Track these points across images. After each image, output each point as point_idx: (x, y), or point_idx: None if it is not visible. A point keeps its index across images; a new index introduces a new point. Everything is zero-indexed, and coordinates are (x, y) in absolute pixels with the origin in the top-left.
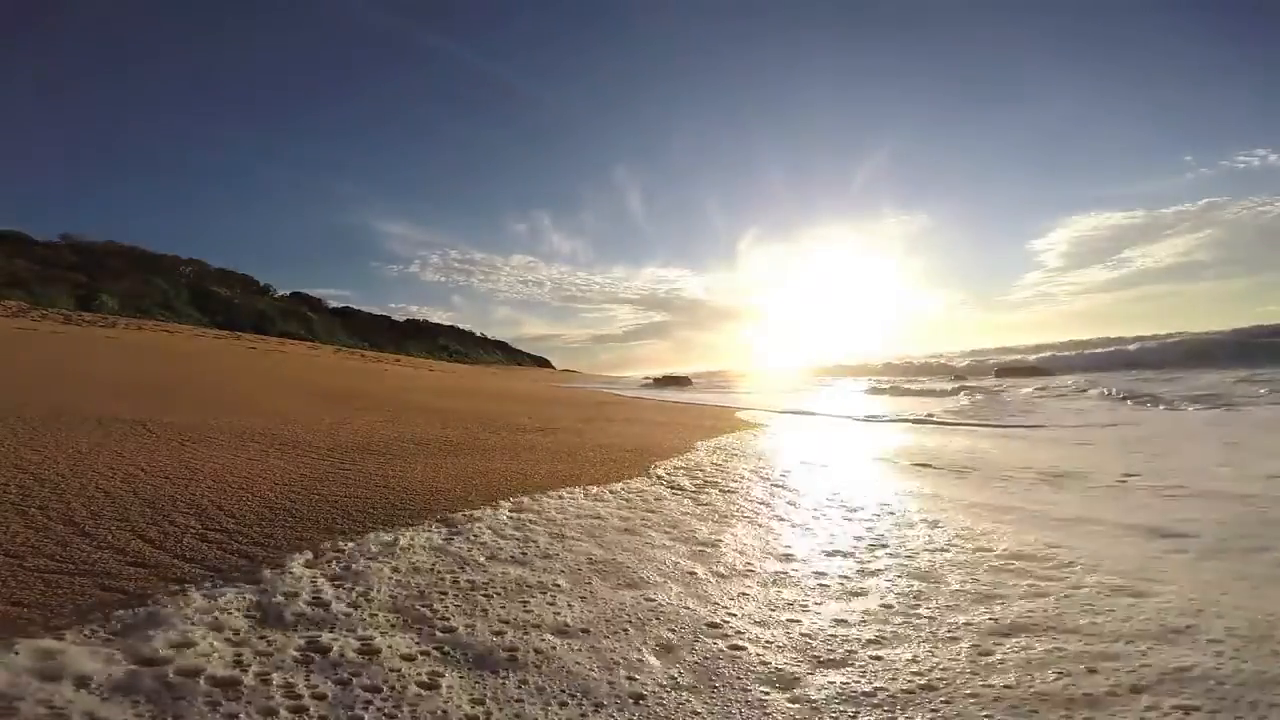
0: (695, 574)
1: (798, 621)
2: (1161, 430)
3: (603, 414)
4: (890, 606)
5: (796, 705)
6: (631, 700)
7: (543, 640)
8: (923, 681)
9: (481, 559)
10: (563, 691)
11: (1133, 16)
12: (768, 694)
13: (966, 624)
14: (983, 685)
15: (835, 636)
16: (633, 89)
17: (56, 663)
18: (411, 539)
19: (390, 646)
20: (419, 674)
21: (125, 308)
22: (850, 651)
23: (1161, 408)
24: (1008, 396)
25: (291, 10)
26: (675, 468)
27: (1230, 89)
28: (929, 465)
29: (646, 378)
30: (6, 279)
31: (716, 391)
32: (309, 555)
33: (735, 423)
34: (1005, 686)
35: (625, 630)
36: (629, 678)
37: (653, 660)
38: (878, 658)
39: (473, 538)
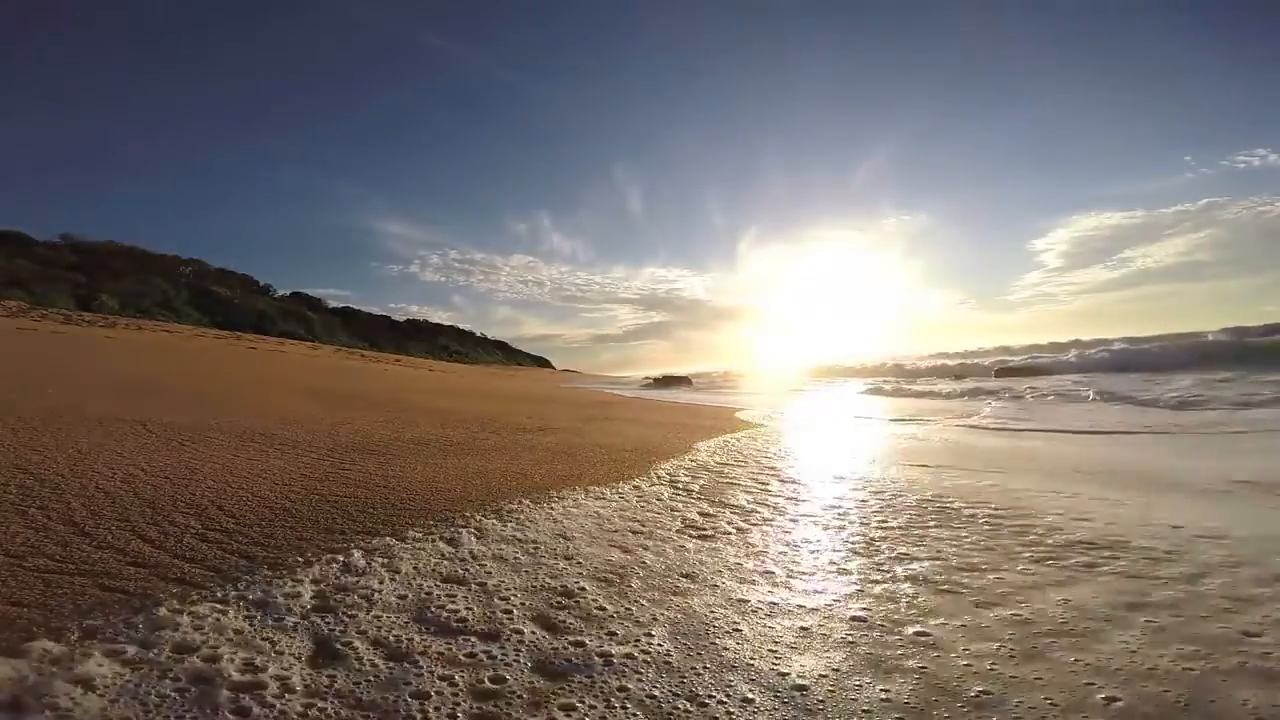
0: (695, 572)
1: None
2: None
3: (603, 414)
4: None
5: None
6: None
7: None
8: None
9: (485, 559)
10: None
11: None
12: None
13: None
14: None
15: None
16: (633, 89)
17: (61, 664)
18: (412, 539)
19: (396, 646)
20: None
21: (125, 308)
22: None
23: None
24: (1006, 396)
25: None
26: (676, 467)
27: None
28: (924, 465)
29: (647, 378)
30: (6, 279)
31: (717, 391)
32: (309, 555)
33: (735, 423)
34: None
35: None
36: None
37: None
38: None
39: (473, 538)
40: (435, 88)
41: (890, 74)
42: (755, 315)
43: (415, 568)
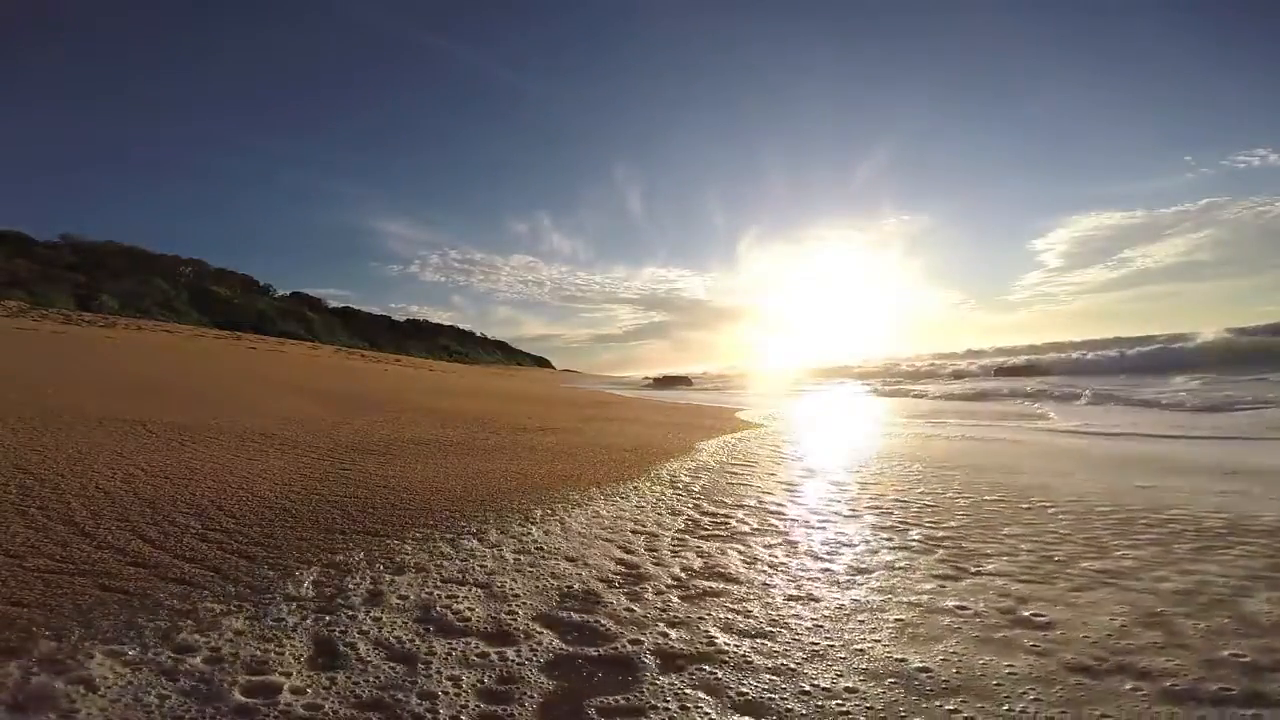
0: (698, 573)
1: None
2: None
3: (603, 414)
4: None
5: None
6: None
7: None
8: None
9: (487, 559)
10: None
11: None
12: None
13: None
14: None
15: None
16: (633, 89)
17: (62, 665)
18: (413, 539)
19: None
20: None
21: (125, 308)
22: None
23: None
24: (1006, 395)
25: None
26: (677, 467)
27: (1230, 89)
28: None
29: (647, 378)
30: (6, 279)
31: (717, 391)
32: (309, 555)
33: (735, 423)
34: None
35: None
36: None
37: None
38: None
39: (474, 538)
40: (436, 88)
41: (890, 74)
42: (755, 315)
43: (416, 567)
